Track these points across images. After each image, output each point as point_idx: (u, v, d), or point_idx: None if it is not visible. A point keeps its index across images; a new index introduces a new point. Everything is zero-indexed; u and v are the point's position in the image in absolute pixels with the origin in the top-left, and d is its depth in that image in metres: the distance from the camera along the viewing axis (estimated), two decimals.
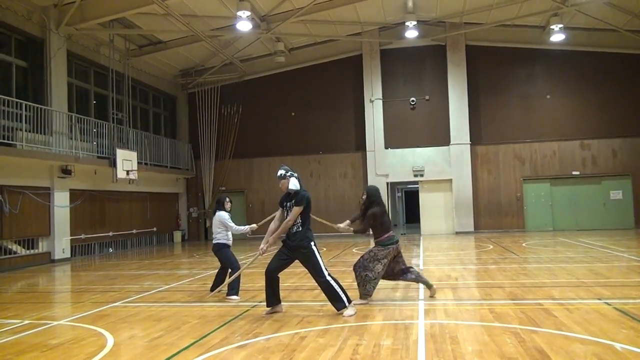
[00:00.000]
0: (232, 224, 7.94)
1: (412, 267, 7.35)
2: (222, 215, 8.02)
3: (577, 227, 20.31)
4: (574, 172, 20.61)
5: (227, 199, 8.25)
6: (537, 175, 20.87)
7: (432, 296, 7.29)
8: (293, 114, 22.66)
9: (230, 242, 8.09)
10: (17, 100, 13.66)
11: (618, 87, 20.37)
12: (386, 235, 7.01)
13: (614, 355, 4.44)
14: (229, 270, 7.89)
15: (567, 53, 20.71)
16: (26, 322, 6.64)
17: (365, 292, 6.99)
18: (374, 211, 7.03)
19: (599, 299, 6.79)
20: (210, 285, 8.38)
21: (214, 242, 8.05)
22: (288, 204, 6.42)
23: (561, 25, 18.79)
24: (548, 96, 20.98)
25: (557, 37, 19.36)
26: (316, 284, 6.45)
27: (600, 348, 4.65)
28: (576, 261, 10.93)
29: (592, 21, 19.07)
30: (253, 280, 9.42)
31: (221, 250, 7.96)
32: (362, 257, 7.15)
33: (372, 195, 7.15)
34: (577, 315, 5.91)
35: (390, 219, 7.21)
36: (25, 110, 13.82)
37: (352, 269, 7.29)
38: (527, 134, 20.94)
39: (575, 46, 20.51)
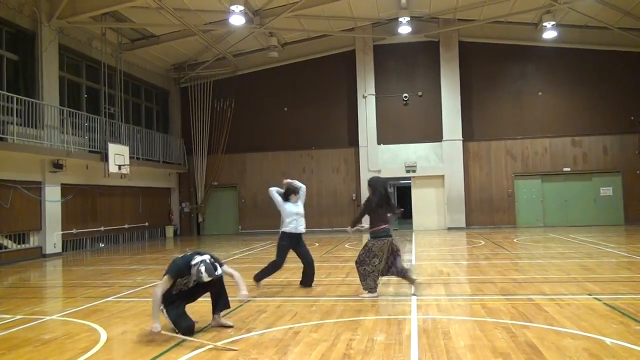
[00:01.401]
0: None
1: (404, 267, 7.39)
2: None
3: (568, 223, 20.45)
4: (564, 169, 20.75)
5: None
6: (528, 171, 20.98)
7: (415, 294, 7.20)
8: (286, 109, 22.62)
9: (291, 232, 7.95)
10: (8, 93, 13.52)
11: (609, 84, 20.50)
12: (380, 227, 7.08)
13: (604, 350, 4.50)
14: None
15: (559, 50, 20.81)
16: (18, 317, 6.61)
17: (367, 285, 7.11)
18: (369, 197, 7.23)
19: (589, 295, 6.86)
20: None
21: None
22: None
23: (553, 23, 18.87)
24: (540, 93, 21.08)
25: (550, 34, 19.44)
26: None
27: (591, 343, 4.71)
28: (567, 257, 11.02)
29: (584, 18, 19.18)
30: (249, 276, 9.41)
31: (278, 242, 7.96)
32: (359, 253, 7.25)
33: (369, 184, 7.31)
34: (567, 311, 5.97)
35: (388, 212, 7.18)
36: (16, 104, 13.70)
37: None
38: (518, 131, 21.04)
39: (567, 43, 20.61)
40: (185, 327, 5.31)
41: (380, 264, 7.07)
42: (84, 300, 7.71)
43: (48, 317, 6.57)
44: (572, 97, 20.91)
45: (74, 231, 16.40)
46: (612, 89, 20.47)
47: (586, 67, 20.67)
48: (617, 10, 18.37)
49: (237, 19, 16.65)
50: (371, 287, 7.08)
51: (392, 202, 7.36)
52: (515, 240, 15.46)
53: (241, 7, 16.08)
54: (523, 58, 21.18)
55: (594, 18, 18.92)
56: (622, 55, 20.41)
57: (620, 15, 18.62)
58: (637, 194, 20.16)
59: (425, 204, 21.37)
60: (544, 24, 18.91)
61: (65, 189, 15.89)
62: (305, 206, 8.15)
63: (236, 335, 5.34)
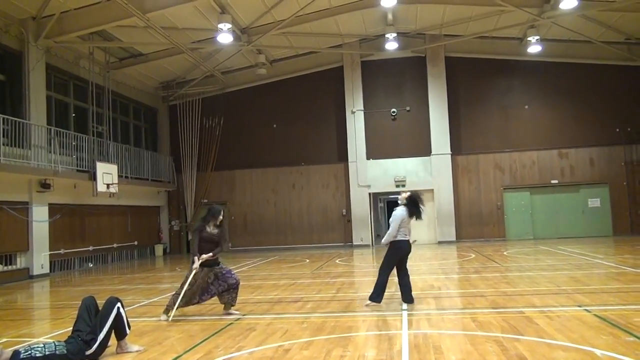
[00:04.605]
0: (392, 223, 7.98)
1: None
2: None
3: (557, 235, 20.55)
4: (552, 181, 20.91)
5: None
6: (517, 184, 21.12)
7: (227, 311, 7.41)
8: (275, 125, 22.67)
9: (401, 238, 7.95)
10: None
11: (594, 97, 20.76)
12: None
13: None
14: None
15: (544, 64, 21.10)
16: (4, 340, 6.50)
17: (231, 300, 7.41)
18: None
19: (579, 306, 6.88)
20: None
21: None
22: None
23: (538, 37, 19.16)
24: (526, 106, 21.31)
25: (534, 48, 19.72)
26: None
27: (581, 355, 4.71)
28: (556, 269, 11.06)
29: (568, 33, 19.47)
30: (240, 293, 9.33)
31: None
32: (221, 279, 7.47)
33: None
34: (558, 323, 5.98)
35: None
36: (3, 124, 13.59)
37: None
38: (506, 144, 21.21)
39: (552, 57, 20.90)
40: None
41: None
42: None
43: (35, 340, 6.47)
44: (558, 110, 21.17)
45: (62, 251, 16.21)
46: (598, 101, 20.73)
47: (571, 80, 20.94)
48: (600, 25, 18.69)
49: (225, 37, 16.75)
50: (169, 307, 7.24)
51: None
52: (505, 253, 15.50)
53: (229, 25, 16.19)
54: (509, 72, 21.43)
55: (578, 32, 19.21)
56: (606, 68, 20.71)
57: (603, 29, 18.95)
58: (624, 205, 20.35)
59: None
60: (529, 38, 19.19)
61: (53, 209, 15.74)
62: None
63: (226, 354, 5.29)
